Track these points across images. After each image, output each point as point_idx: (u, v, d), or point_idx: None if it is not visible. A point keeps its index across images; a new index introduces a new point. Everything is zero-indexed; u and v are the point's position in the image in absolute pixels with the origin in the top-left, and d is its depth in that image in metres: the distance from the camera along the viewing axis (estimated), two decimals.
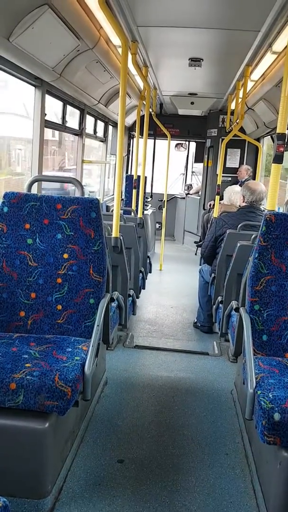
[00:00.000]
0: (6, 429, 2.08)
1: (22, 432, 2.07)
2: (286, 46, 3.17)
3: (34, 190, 3.89)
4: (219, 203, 5.96)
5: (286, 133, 2.82)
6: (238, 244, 3.71)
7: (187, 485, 2.41)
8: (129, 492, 2.33)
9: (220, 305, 3.86)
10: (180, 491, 2.36)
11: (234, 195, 5.58)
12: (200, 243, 7.94)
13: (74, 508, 2.19)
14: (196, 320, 4.96)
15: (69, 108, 5.31)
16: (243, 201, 4.34)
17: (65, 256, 2.68)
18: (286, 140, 2.89)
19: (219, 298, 3.92)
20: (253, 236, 3.52)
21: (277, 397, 2.02)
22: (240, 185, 5.98)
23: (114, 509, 2.20)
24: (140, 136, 6.06)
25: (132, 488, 2.36)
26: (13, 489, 2.10)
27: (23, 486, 2.11)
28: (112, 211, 3.82)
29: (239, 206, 4.52)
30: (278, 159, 2.89)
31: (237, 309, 2.98)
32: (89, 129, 6.50)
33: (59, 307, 2.68)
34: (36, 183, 3.45)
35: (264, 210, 3.79)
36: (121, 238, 3.75)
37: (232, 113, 7.33)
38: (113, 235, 3.68)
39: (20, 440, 2.07)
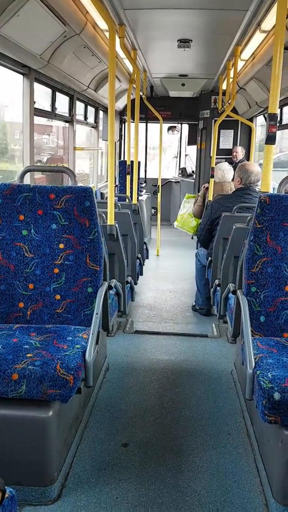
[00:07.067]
0: (10, 419, 2.11)
1: (26, 421, 2.10)
2: (274, 25, 3.13)
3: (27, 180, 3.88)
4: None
5: (278, 113, 2.79)
6: (234, 227, 3.71)
7: (191, 466, 2.45)
8: (134, 476, 2.37)
9: (218, 288, 3.89)
10: (185, 472, 2.40)
11: (224, 173, 5.57)
12: None
13: (81, 494, 2.23)
14: (194, 303, 4.99)
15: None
16: (240, 183, 4.29)
17: (61, 246, 2.68)
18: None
19: (216, 281, 3.94)
20: (248, 218, 3.52)
21: (277, 377, 2.05)
22: (235, 166, 5.96)
23: (120, 493, 2.24)
24: (132, 120, 6.00)
25: (137, 471, 2.40)
26: (20, 477, 2.14)
27: (29, 474, 2.15)
28: (107, 198, 3.79)
29: (235, 188, 4.49)
30: (271, 139, 2.86)
31: (234, 292, 3.00)
32: (79, 115, 6.44)
33: (58, 297, 2.69)
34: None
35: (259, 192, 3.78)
36: (117, 225, 3.74)
37: (224, 93, 7.27)
38: (108, 222, 3.67)
39: (25, 429, 2.10)
